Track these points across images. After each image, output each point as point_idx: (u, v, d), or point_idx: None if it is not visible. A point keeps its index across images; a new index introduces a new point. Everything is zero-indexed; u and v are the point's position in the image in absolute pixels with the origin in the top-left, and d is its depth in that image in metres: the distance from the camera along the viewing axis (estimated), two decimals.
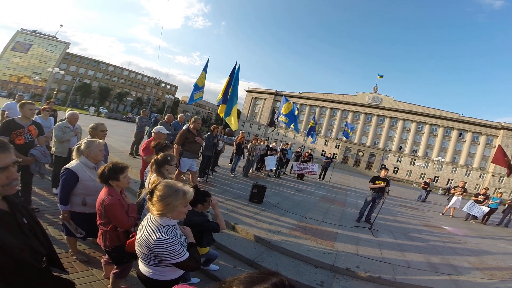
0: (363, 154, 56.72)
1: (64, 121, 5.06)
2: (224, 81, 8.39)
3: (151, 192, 1.69)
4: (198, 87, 8.78)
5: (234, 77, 7.95)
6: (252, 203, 6.43)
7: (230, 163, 11.42)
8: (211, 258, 3.29)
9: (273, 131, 15.89)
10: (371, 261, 4.49)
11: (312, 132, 16.92)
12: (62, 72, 39.89)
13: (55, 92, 44.68)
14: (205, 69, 8.88)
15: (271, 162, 11.23)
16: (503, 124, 50.31)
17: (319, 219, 6.50)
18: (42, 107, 6.45)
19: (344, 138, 54.37)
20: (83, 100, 71.25)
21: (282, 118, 13.46)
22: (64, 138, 4.74)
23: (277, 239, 4.52)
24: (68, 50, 74.03)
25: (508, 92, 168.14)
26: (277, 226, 5.23)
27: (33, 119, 4.22)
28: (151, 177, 2.80)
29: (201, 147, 7.44)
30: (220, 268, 3.50)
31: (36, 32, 72.96)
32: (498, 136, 50.57)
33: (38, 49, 69.87)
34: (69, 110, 5.76)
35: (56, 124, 4.91)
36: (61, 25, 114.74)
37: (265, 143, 12.79)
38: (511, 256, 6.66)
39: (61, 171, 2.73)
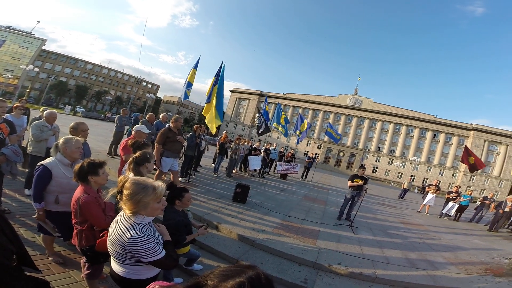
0: (344, 154, 58.04)
1: (42, 120, 4.84)
2: (210, 81, 8.39)
3: (120, 191, 1.64)
4: (190, 84, 8.78)
5: (219, 77, 7.92)
6: (236, 203, 6.41)
7: (213, 163, 11.33)
8: (193, 257, 3.25)
9: (266, 136, 15.90)
10: (352, 257, 4.60)
11: (304, 133, 17.16)
12: (36, 69, 38.13)
13: (28, 90, 42.29)
14: (195, 67, 8.82)
15: (255, 162, 11.23)
16: (473, 126, 53.29)
17: (301, 217, 6.59)
18: (14, 105, 6.13)
19: (326, 138, 55.48)
20: (58, 98, 68.14)
21: (276, 125, 14.90)
22: (42, 137, 4.53)
23: (261, 238, 4.53)
24: (44, 47, 70.43)
25: (479, 95, 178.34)
26: (260, 225, 5.25)
27: (4, 117, 4.01)
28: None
29: (183, 147, 7.34)
30: (204, 267, 3.46)
31: (11, 28, 68.74)
32: (469, 137, 53.43)
33: (11, 46, 65.52)
34: (43, 109, 5.51)
35: (34, 122, 4.69)
36: (38, 21, 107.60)
37: (249, 143, 12.79)
38: (483, 251, 7.01)
39: (35, 168, 2.65)
